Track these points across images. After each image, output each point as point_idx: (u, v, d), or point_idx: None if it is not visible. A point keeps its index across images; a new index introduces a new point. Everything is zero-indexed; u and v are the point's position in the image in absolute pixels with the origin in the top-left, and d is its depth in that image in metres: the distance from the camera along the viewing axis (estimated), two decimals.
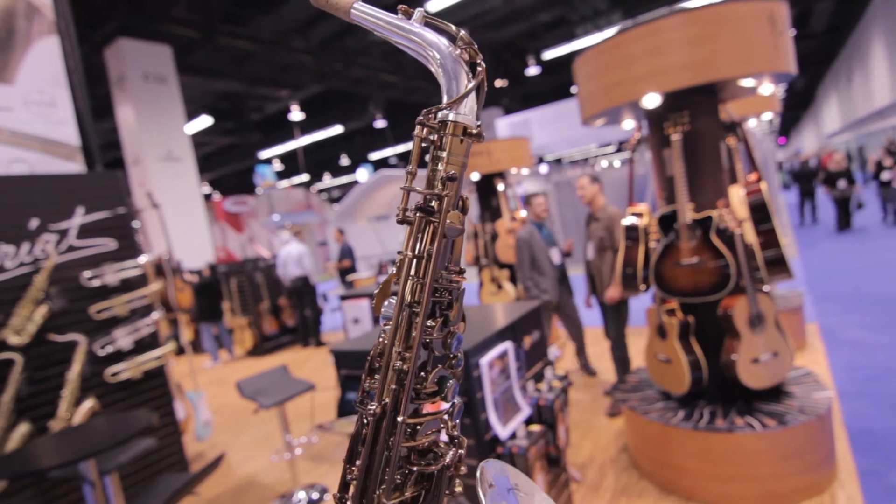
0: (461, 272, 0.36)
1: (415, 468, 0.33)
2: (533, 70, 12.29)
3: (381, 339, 0.34)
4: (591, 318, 4.21)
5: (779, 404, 2.31)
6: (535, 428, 1.79)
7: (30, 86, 3.17)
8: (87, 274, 2.95)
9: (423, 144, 0.36)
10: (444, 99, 0.36)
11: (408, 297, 0.33)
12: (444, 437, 0.34)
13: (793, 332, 3.79)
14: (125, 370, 2.99)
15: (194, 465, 3.33)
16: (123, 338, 3.01)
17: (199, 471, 1.74)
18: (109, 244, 3.07)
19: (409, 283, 0.33)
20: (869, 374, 3.33)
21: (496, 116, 14.38)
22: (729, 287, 2.20)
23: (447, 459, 0.34)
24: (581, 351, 3.97)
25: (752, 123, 4.62)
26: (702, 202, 2.33)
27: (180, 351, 5.94)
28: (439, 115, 0.36)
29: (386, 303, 0.34)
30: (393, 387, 0.32)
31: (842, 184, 8.93)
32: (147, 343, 3.13)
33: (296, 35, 9.62)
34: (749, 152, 2.57)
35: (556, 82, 14.20)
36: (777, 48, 2.04)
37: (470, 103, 0.36)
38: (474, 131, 0.36)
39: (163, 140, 8.93)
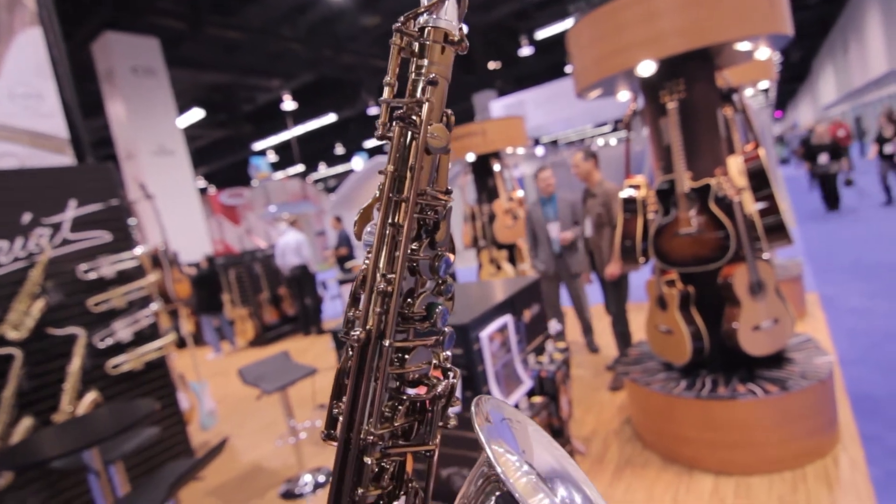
0: (448, 192, 0.34)
1: (404, 398, 0.32)
2: (526, 50, 12.16)
3: (364, 265, 0.32)
4: (592, 295, 4.21)
5: (780, 370, 2.31)
6: (538, 400, 1.79)
7: (14, 78, 3.13)
8: (83, 267, 2.93)
9: (402, 56, 0.33)
10: (424, 1, 0.33)
11: (390, 217, 0.31)
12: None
13: (793, 301, 3.79)
14: (126, 362, 2.98)
15: (200, 454, 3.35)
16: (123, 330, 3.00)
17: (203, 455, 1.74)
18: (104, 237, 3.05)
19: (392, 201, 0.31)
20: (870, 340, 3.34)
21: (490, 99, 14.27)
22: (728, 255, 2.19)
23: (439, 389, 0.32)
24: (588, 330, 3.97)
25: (748, 93, 4.58)
26: (699, 171, 2.30)
27: (182, 344, 5.94)
28: (419, 20, 0.34)
29: (368, 228, 0.32)
30: (377, 310, 0.31)
31: (823, 158, 7.91)
32: (147, 334, 3.13)
33: (284, 23, 9.50)
34: (747, 120, 2.54)
35: (550, 62, 14.06)
36: (772, 8, 2.00)
37: (451, 9, 0.33)
38: (456, 38, 0.34)
39: (155, 134, 8.85)
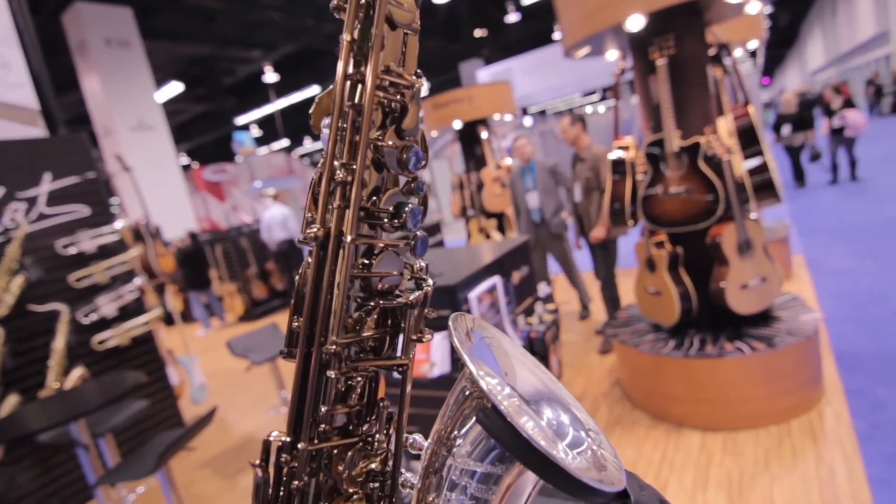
0: (418, 76, 0.30)
1: (371, 304, 0.28)
2: (513, 17, 11.90)
3: (322, 162, 0.28)
4: (581, 261, 4.21)
5: (767, 328, 2.33)
6: None
7: None
8: (61, 242, 2.86)
9: None
10: None
11: (347, 98, 0.28)
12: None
13: (779, 262, 3.82)
14: (112, 338, 2.94)
15: None
16: (107, 305, 2.95)
17: (193, 425, 1.72)
18: (82, 210, 2.97)
19: (350, 79, 0.28)
20: (855, 300, 3.38)
21: (477, 67, 14.01)
22: (717, 214, 2.18)
23: (411, 298, 0.29)
24: (584, 296, 3.99)
25: (737, 53, 4.51)
26: (689, 129, 2.27)
27: (170, 321, 5.90)
28: None
29: (325, 120, 0.29)
30: (337, 203, 0.27)
31: (786, 130, 7.16)
32: (132, 310, 3.08)
33: None
34: (738, 79, 2.50)
35: (538, 29, 13.78)
36: None
37: None
38: None
39: (133, 109, 8.59)
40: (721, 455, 2.10)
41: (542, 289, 2.22)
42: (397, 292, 0.30)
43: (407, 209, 0.28)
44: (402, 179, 0.30)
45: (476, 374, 0.26)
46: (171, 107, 12.73)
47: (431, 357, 1.51)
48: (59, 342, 2.75)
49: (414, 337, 0.29)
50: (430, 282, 0.30)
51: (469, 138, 4.65)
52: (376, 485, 0.29)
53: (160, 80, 10.66)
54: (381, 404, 0.29)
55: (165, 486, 1.76)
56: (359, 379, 0.28)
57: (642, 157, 2.40)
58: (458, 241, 7.26)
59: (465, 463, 0.28)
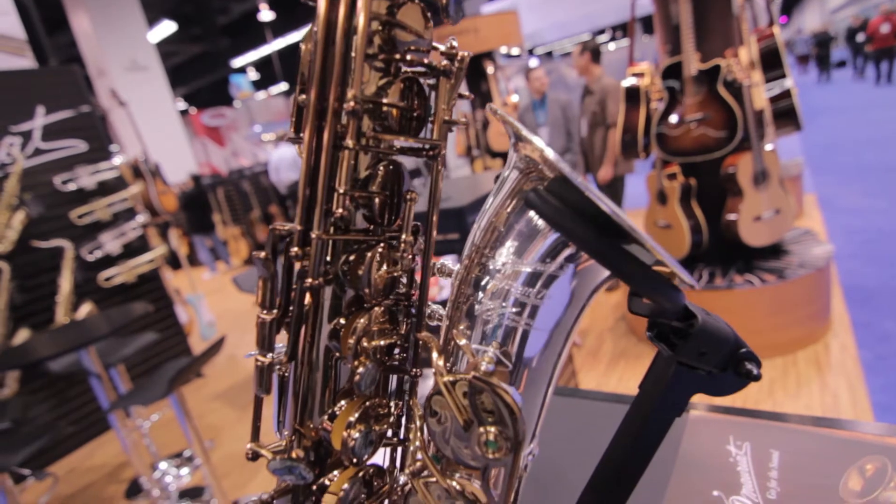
0: None
1: (394, 66, 0.23)
2: None
3: None
4: None
5: (778, 261, 2.30)
6: None
7: None
8: (60, 178, 2.81)
9: None
10: None
11: None
12: None
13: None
14: (118, 274, 2.95)
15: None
16: (110, 242, 2.93)
17: (203, 352, 1.73)
18: (79, 146, 2.90)
19: None
20: (865, 237, 3.34)
21: (481, 3, 13.38)
22: (735, 141, 2.09)
23: (443, 63, 0.24)
24: None
25: None
26: (709, 52, 2.15)
27: (176, 264, 5.92)
28: None
29: None
30: None
31: None
32: (136, 247, 3.07)
33: None
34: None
35: None
36: None
37: None
38: None
39: (125, 48, 8.30)
40: None
41: None
42: (426, 61, 0.25)
43: None
44: None
45: (542, 146, 0.21)
46: (164, 48, 12.29)
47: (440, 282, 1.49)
48: (65, 278, 2.75)
49: (447, 117, 0.25)
50: (465, 54, 0.26)
51: (474, 74, 4.47)
52: (401, 297, 0.26)
53: (152, 20, 10.23)
54: (408, 196, 0.25)
55: (179, 412, 1.79)
56: (380, 168, 0.24)
57: (658, 84, 2.29)
58: None
59: (508, 267, 0.25)
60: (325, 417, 0.25)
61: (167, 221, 3.95)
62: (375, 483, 0.27)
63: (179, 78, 15.65)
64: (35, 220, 2.70)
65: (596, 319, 2.91)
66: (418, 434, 0.25)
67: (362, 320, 0.24)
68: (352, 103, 0.20)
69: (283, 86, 18.25)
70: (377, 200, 0.23)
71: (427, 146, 0.24)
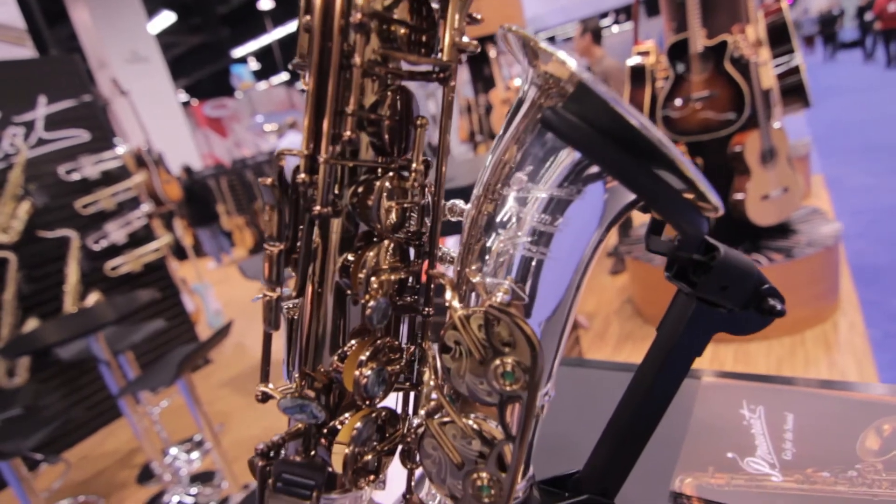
0: None
1: None
2: None
3: None
4: None
5: (786, 240, 2.28)
6: None
7: None
8: (64, 167, 2.81)
9: None
10: None
11: None
12: None
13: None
14: (124, 264, 2.96)
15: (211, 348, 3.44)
16: (116, 232, 2.94)
17: (210, 337, 1.74)
18: (82, 135, 2.90)
19: None
20: (874, 216, 3.30)
21: None
22: (742, 119, 2.07)
23: None
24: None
25: None
26: (715, 28, 2.11)
27: (182, 255, 5.94)
28: None
29: None
30: None
31: None
32: (142, 236, 3.07)
33: None
34: None
35: None
36: None
37: None
38: None
39: (125, 40, 8.27)
40: (732, 364, 2.12)
41: None
42: None
43: None
44: None
45: (555, 51, 0.21)
46: (164, 39, 12.22)
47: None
48: (72, 268, 2.77)
49: (458, 38, 0.24)
50: None
51: (477, 58, 4.43)
52: (412, 236, 0.25)
53: (151, 11, 10.17)
54: (419, 122, 0.24)
55: (188, 397, 1.80)
56: (388, 93, 0.23)
57: (664, 62, 2.26)
58: None
59: (522, 195, 0.24)
60: (336, 358, 0.24)
61: (171, 211, 3.95)
62: (388, 430, 0.27)
63: (180, 69, 15.59)
64: (40, 210, 2.70)
65: (602, 302, 2.90)
66: (432, 375, 0.25)
67: (372, 253, 0.23)
68: (359, 15, 0.19)
69: (284, 76, 18.17)
70: (386, 125, 0.22)
71: (437, 68, 0.23)
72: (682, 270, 0.26)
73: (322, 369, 0.25)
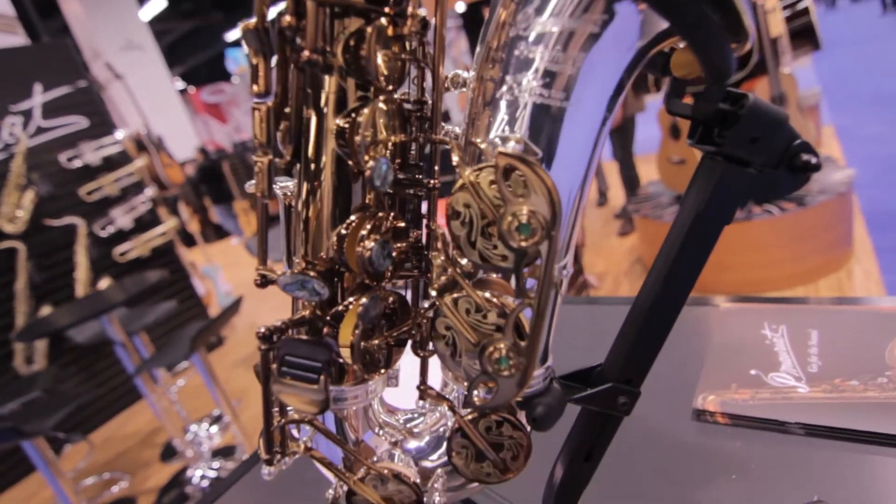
0: None
1: None
2: None
3: None
4: None
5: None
6: None
7: None
8: (65, 155, 2.80)
9: None
10: None
11: None
12: None
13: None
14: (132, 248, 2.96)
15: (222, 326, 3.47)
16: (121, 217, 2.94)
17: (221, 312, 1.74)
18: (80, 122, 2.88)
19: None
20: (886, 164, 3.23)
21: None
22: (750, 65, 2.01)
23: None
24: (601, 189, 3.93)
25: None
26: None
27: (190, 242, 5.97)
28: None
29: None
30: None
31: None
32: (147, 221, 3.07)
33: None
34: None
35: None
36: None
37: None
38: None
39: (118, 29, 8.19)
40: None
41: None
42: None
43: None
44: None
45: None
46: (157, 26, 12.07)
47: None
48: (81, 255, 2.78)
49: None
50: None
51: (475, 23, 4.33)
52: (412, 104, 0.23)
53: None
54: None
55: (205, 374, 1.81)
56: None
57: None
58: None
59: (531, 32, 0.22)
60: (335, 238, 0.23)
61: (175, 195, 3.94)
62: (397, 318, 0.25)
63: (175, 56, 15.42)
64: (45, 198, 2.71)
65: (611, 263, 2.88)
66: (441, 253, 0.23)
67: (368, 110, 0.21)
68: None
69: None
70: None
71: None
72: (707, 132, 0.24)
73: (324, 255, 0.24)
